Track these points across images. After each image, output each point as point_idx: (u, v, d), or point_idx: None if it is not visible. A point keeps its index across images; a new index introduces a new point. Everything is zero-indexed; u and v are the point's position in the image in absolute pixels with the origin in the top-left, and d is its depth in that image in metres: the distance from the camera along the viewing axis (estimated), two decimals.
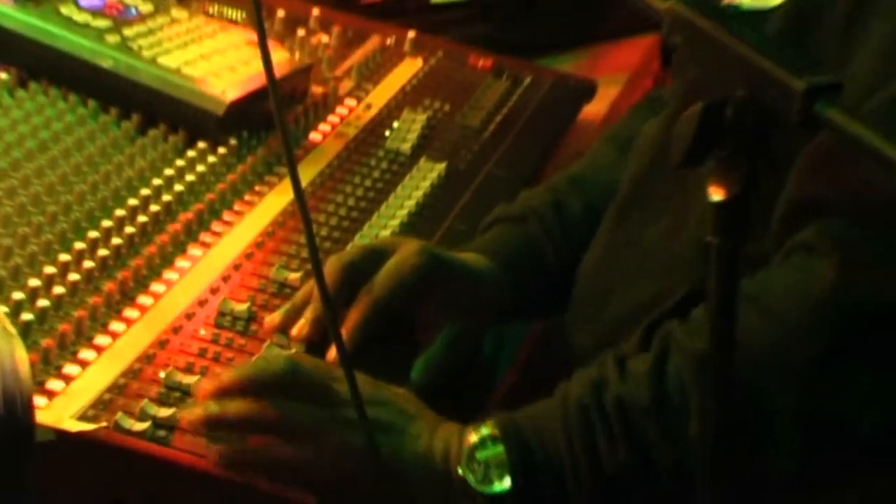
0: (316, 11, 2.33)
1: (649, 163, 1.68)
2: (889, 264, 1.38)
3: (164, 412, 1.40)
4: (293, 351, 1.55)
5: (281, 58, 2.06)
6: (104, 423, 1.38)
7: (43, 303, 1.50)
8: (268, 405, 1.41)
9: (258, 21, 1.40)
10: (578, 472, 1.40)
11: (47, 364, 1.43)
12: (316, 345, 1.56)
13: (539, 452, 1.41)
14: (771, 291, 1.42)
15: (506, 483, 1.40)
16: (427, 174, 1.97)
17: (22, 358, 1.16)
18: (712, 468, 1.20)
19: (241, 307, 1.59)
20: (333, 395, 1.42)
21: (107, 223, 1.65)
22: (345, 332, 1.55)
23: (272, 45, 2.07)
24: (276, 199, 1.80)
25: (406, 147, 2.04)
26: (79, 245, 1.60)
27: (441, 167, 2.00)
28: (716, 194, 1.09)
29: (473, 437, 1.42)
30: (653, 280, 1.59)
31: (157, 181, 1.76)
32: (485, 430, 1.42)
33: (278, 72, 1.96)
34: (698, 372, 1.33)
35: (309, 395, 1.43)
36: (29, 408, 1.15)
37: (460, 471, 1.42)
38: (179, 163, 1.82)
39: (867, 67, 1.42)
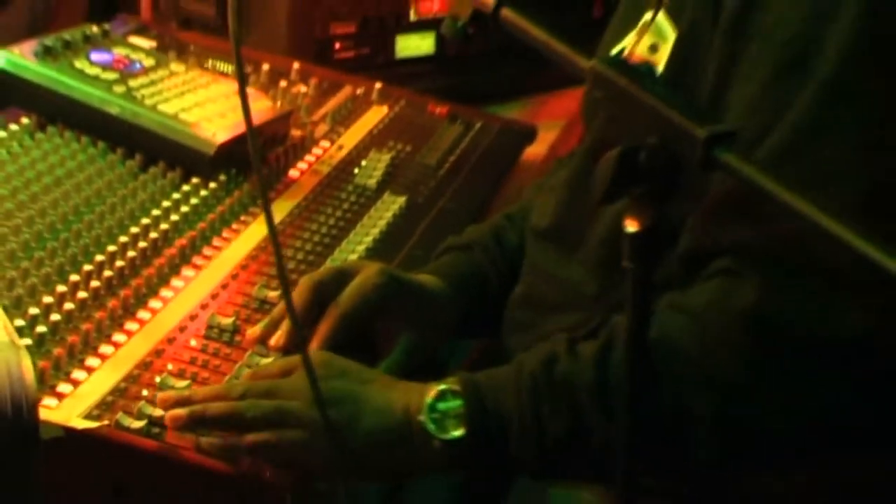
0: (296, 65, 2.34)
1: (562, 203, 1.67)
2: (802, 293, 1.36)
3: (159, 412, 1.41)
4: (271, 359, 1.55)
5: (264, 105, 2.06)
6: (106, 422, 1.38)
7: (55, 317, 1.50)
8: (241, 403, 1.42)
9: (239, 76, 1.44)
10: (524, 433, 1.41)
11: (58, 370, 1.43)
12: (290, 352, 1.55)
13: (492, 410, 1.42)
14: (696, 304, 1.41)
15: (460, 432, 1.41)
16: (390, 206, 1.98)
17: (28, 367, 1.16)
18: (629, 454, 1.21)
19: (227, 321, 1.59)
20: (284, 388, 1.45)
21: (112, 248, 1.66)
22: (315, 341, 1.57)
23: (258, 94, 2.12)
24: (259, 228, 1.80)
25: (372, 183, 2.04)
26: (87, 267, 1.60)
27: (402, 200, 2.00)
28: (631, 226, 1.10)
29: (436, 390, 1.43)
30: (571, 311, 1.58)
31: (155, 212, 1.77)
32: (448, 385, 1.43)
33: (262, 117, 2.00)
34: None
35: (268, 392, 1.44)
36: (34, 411, 1.15)
37: (421, 417, 1.42)
38: (175, 196, 1.82)
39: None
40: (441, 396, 1.42)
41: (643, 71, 1.22)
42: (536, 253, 1.71)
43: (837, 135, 1.37)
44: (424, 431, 1.42)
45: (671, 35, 1.54)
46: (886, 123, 1.38)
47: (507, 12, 1.34)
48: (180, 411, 1.40)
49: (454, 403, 1.42)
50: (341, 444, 1.40)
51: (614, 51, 1.66)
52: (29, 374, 1.17)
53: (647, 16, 1.60)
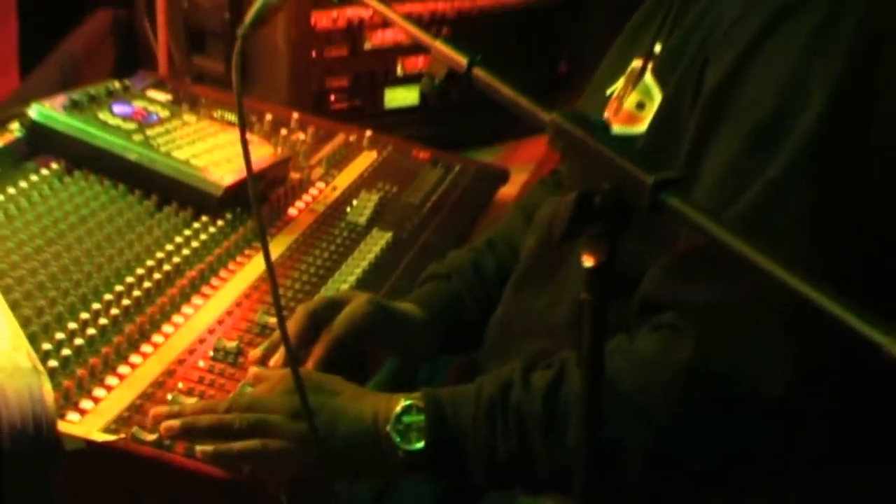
0: (295, 115, 2.35)
1: (540, 243, 1.67)
2: (733, 354, 1.36)
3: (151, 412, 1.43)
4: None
5: (267, 151, 2.07)
6: (123, 435, 1.39)
7: (78, 341, 1.52)
8: (228, 416, 1.42)
9: (241, 126, 1.46)
10: (477, 450, 1.42)
11: (80, 388, 1.44)
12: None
13: (451, 427, 1.42)
14: (641, 352, 1.41)
15: (421, 444, 1.41)
16: (378, 241, 1.98)
17: (48, 391, 1.16)
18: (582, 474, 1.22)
19: (232, 344, 1.60)
20: (266, 402, 1.45)
21: (130, 279, 1.67)
22: (310, 362, 1.58)
23: (260, 141, 2.12)
24: (261, 261, 1.79)
25: (362, 220, 2.04)
26: (107, 297, 1.62)
27: (389, 236, 2.00)
28: (588, 262, 1.11)
29: (402, 404, 1.43)
30: (541, 339, 1.57)
31: (169, 247, 1.78)
32: (412, 400, 1.43)
33: (264, 162, 2.02)
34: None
35: (251, 406, 1.45)
36: (52, 429, 1.15)
37: (388, 428, 1.42)
38: (187, 233, 1.83)
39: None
40: (406, 410, 1.43)
41: (598, 124, 1.20)
42: (516, 282, 1.71)
43: (788, 218, 1.36)
44: (390, 441, 1.42)
45: (657, 96, 1.53)
46: (834, 213, 1.37)
47: (478, 71, 1.36)
48: (173, 422, 1.40)
49: (417, 418, 1.42)
50: (320, 450, 1.41)
51: (607, 91, 1.66)
52: (49, 396, 1.17)
53: (636, 63, 1.60)
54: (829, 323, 0.97)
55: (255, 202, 1.58)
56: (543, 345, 1.55)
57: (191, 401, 1.48)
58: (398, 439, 1.42)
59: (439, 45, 1.41)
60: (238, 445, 1.41)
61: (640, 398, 1.38)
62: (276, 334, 1.60)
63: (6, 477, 1.11)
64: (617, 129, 1.55)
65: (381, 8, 1.48)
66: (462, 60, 1.37)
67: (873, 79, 1.39)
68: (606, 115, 1.62)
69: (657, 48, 1.58)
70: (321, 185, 2.14)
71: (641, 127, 1.53)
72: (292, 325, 1.58)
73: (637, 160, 1.11)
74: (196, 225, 1.86)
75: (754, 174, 1.38)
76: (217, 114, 2.25)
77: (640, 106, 1.55)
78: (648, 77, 1.56)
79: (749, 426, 1.37)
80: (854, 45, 1.38)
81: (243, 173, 1.88)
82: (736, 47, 1.42)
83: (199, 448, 1.40)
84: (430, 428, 1.42)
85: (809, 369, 1.33)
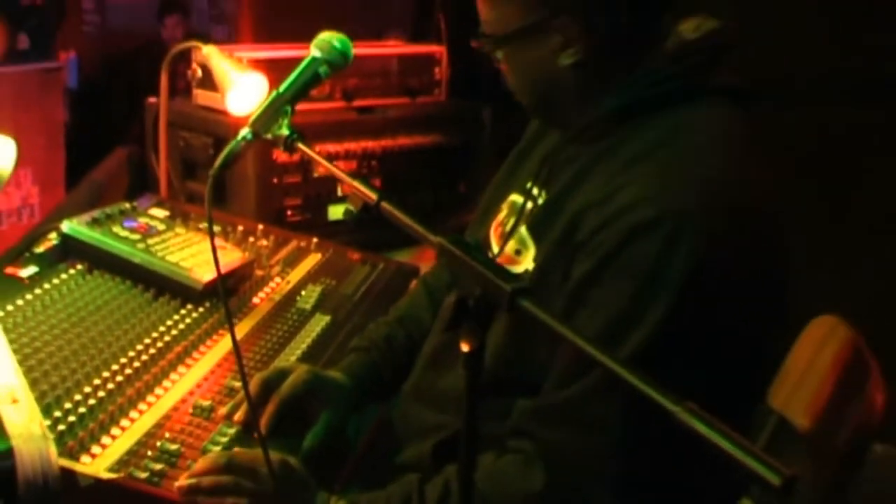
0: (260, 226, 2.34)
1: (444, 330, 1.64)
2: (583, 475, 1.33)
3: (158, 466, 1.42)
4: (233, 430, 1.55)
5: (237, 255, 2.07)
6: (123, 473, 1.39)
7: (91, 401, 1.52)
8: (223, 480, 1.41)
9: (210, 236, 1.46)
10: None
11: (92, 438, 1.44)
12: (249, 425, 1.55)
13: None
14: (505, 471, 1.38)
15: None
16: (320, 322, 1.98)
17: (53, 453, 1.15)
18: None
19: (206, 403, 1.60)
20: (258, 472, 1.43)
21: (131, 353, 1.67)
22: (264, 417, 1.57)
23: (232, 247, 2.12)
24: (230, 340, 1.77)
25: (308, 306, 2.04)
26: (114, 367, 1.62)
27: (328, 318, 2.00)
28: (465, 347, 1.11)
29: None
30: (442, 412, 1.56)
31: (161, 328, 1.78)
32: None
33: (235, 264, 2.02)
34: None
35: (245, 473, 1.42)
36: (56, 482, 1.13)
37: None
38: (175, 317, 1.83)
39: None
40: None
41: (472, 245, 1.19)
42: (426, 361, 1.69)
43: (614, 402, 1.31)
44: None
45: (532, 247, 1.50)
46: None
47: (384, 205, 1.35)
48: (182, 482, 1.39)
49: None
50: None
51: (492, 215, 1.63)
52: (54, 457, 1.16)
53: (515, 197, 1.57)
54: (638, 393, 0.99)
55: (223, 298, 1.59)
56: (441, 419, 1.55)
57: (175, 447, 1.47)
58: None
59: (357, 184, 1.40)
60: (230, 502, 1.41)
61: None
62: (240, 395, 1.60)
63: None
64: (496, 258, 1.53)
65: (315, 157, 1.49)
66: (373, 196, 1.37)
67: (704, 297, 1.31)
68: (491, 232, 1.61)
69: (530, 204, 1.52)
70: (278, 279, 2.13)
71: (519, 268, 1.50)
72: (251, 389, 1.58)
73: (500, 274, 1.12)
74: (183, 311, 1.85)
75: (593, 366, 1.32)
76: (202, 226, 2.25)
77: (518, 252, 1.53)
78: (523, 231, 1.52)
79: None
80: (688, 269, 1.30)
81: None
82: (597, 253, 1.35)
83: (176, 485, 1.39)
84: None
85: (630, 489, 1.31)
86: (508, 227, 1.55)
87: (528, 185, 1.54)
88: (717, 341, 1.33)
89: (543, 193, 1.51)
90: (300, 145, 1.48)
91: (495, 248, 1.55)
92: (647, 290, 1.30)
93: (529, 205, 1.53)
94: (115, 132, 4.36)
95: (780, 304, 1.45)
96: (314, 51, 1.56)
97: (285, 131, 1.49)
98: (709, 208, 1.32)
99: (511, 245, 1.54)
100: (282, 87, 1.53)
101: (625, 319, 1.31)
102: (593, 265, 1.35)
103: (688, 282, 1.29)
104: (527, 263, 1.50)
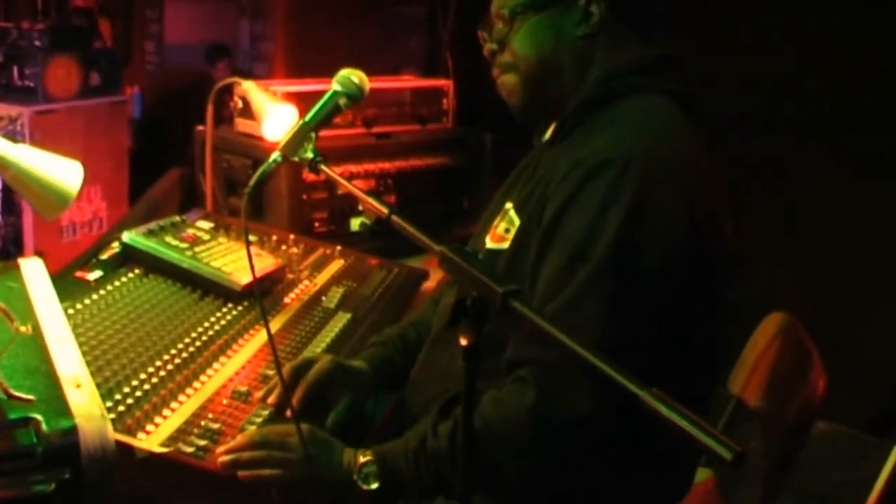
0: (292, 236, 2.33)
1: (444, 324, 1.65)
2: (562, 389, 1.34)
3: (202, 442, 1.42)
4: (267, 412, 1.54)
5: (270, 261, 2.05)
6: (172, 448, 1.38)
7: (147, 386, 1.52)
8: (257, 454, 1.40)
9: (247, 245, 1.47)
10: (411, 482, 1.41)
11: (147, 418, 1.44)
12: (281, 406, 1.54)
13: (392, 470, 1.41)
14: (503, 398, 1.39)
15: (376, 485, 1.40)
16: (342, 320, 1.96)
17: (110, 429, 1.15)
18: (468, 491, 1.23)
19: (244, 388, 1.59)
20: (286, 443, 1.42)
21: (180, 345, 1.66)
22: (294, 400, 1.55)
23: (266, 254, 2.11)
24: (265, 334, 1.71)
25: (332, 305, 2.02)
26: (165, 357, 1.61)
27: (349, 316, 1.98)
28: (463, 341, 1.12)
29: (361, 459, 1.42)
30: (441, 384, 1.56)
31: (206, 324, 1.77)
32: (367, 456, 1.42)
33: (269, 268, 2.01)
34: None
35: (275, 446, 1.42)
36: (112, 456, 1.13)
37: (354, 476, 1.41)
38: (218, 314, 1.82)
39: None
40: (364, 465, 1.41)
41: (470, 253, 1.20)
42: (428, 346, 1.69)
43: (588, 311, 1.35)
44: (357, 484, 1.41)
45: (517, 222, 1.52)
46: (629, 302, 1.35)
47: (395, 218, 1.35)
48: (225, 458, 1.39)
49: (372, 469, 1.41)
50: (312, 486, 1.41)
51: (491, 225, 1.62)
52: (110, 433, 1.15)
53: (509, 205, 1.59)
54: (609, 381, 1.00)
55: (259, 298, 1.57)
56: (444, 386, 1.54)
57: (216, 426, 1.46)
58: (362, 483, 1.41)
59: (371, 201, 1.40)
60: (267, 473, 1.40)
61: (503, 428, 1.37)
62: (274, 381, 1.59)
63: (86, 483, 1.10)
64: (490, 244, 1.55)
65: (334, 176, 1.48)
66: (385, 211, 1.36)
67: (646, 216, 1.37)
68: (488, 239, 1.59)
69: (519, 196, 1.57)
70: (306, 282, 2.12)
71: (506, 245, 1.52)
72: (283, 375, 1.57)
73: (494, 279, 1.13)
74: (224, 310, 1.85)
75: (568, 282, 1.37)
76: (242, 237, 2.25)
77: (507, 230, 1.54)
78: (512, 212, 1.55)
79: (573, 439, 1.36)
80: (634, 197, 1.36)
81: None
82: (561, 196, 1.41)
83: (219, 461, 1.38)
84: (379, 473, 1.41)
85: (605, 401, 1.32)
86: (501, 231, 1.55)
87: (519, 188, 1.57)
88: (658, 270, 1.37)
89: (528, 185, 1.55)
90: (322, 167, 1.48)
91: (490, 244, 1.55)
92: (601, 216, 1.36)
93: (520, 194, 1.56)
94: (171, 156, 4.36)
95: (720, 283, 1.47)
96: (335, 85, 1.56)
97: (310, 154, 1.48)
98: (649, 156, 1.39)
99: (502, 225, 1.55)
100: (307, 117, 1.53)
101: (584, 241, 1.36)
102: (557, 207, 1.41)
103: (633, 210, 1.35)
104: (512, 237, 1.52)
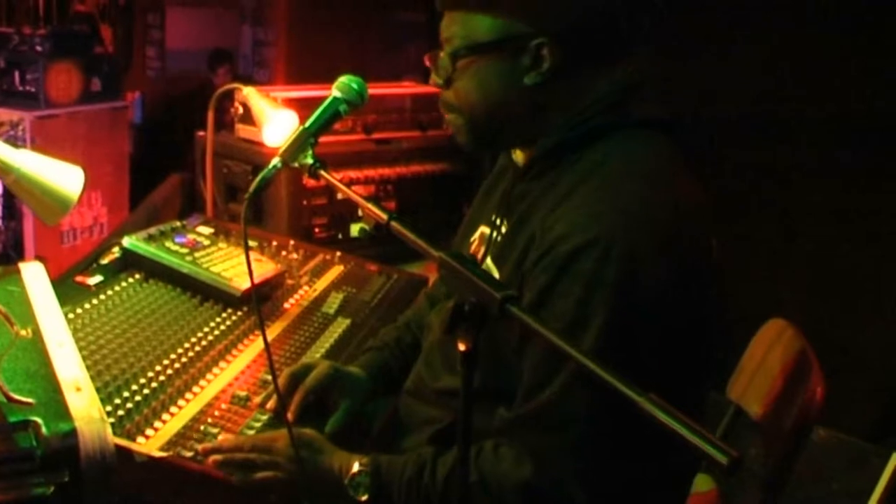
0: (292, 242, 2.32)
1: (443, 332, 1.55)
2: (562, 468, 1.29)
3: (201, 447, 1.41)
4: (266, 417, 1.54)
5: (270, 266, 2.05)
6: (172, 452, 1.39)
7: (146, 391, 1.51)
8: (237, 457, 1.40)
9: (246, 250, 1.45)
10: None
11: (146, 422, 1.44)
12: (278, 412, 1.54)
13: (384, 489, 1.40)
14: (500, 460, 1.35)
15: (365, 497, 1.39)
16: (341, 325, 1.96)
17: (109, 433, 1.15)
18: None
19: (243, 393, 1.59)
20: (272, 448, 1.42)
21: (180, 350, 1.66)
22: (293, 405, 1.55)
23: (266, 260, 2.10)
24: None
25: (331, 311, 2.02)
26: (165, 362, 1.61)
27: (348, 322, 1.97)
28: (461, 346, 1.10)
29: (356, 467, 1.40)
30: (433, 410, 1.53)
31: (206, 329, 1.76)
32: (361, 465, 1.40)
33: (268, 274, 1.99)
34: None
35: (260, 450, 1.42)
36: (111, 458, 1.13)
37: (346, 482, 1.40)
38: (218, 320, 1.82)
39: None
40: (357, 475, 1.40)
41: (468, 259, 1.17)
42: (424, 360, 1.66)
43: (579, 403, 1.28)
44: (348, 491, 1.40)
45: (496, 274, 1.42)
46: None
47: (394, 224, 1.33)
48: (217, 456, 1.39)
49: (364, 480, 1.40)
50: (304, 489, 1.41)
51: (469, 238, 1.60)
52: (109, 437, 1.16)
53: (484, 229, 1.53)
54: (604, 384, 0.98)
55: (256, 304, 1.55)
56: (436, 413, 1.52)
57: (216, 430, 1.46)
58: (352, 492, 1.40)
59: (370, 206, 1.37)
60: (259, 476, 1.40)
61: (497, 492, 1.34)
62: (271, 388, 1.59)
63: (85, 487, 1.10)
64: None
65: (334, 182, 1.47)
66: (384, 216, 1.34)
67: (636, 305, 1.27)
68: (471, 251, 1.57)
69: (495, 234, 1.47)
70: (306, 288, 2.12)
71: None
72: (281, 381, 1.57)
73: (492, 284, 1.11)
74: (224, 315, 1.84)
75: (557, 374, 1.29)
76: (241, 241, 2.24)
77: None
78: (489, 261, 1.47)
79: None
80: (618, 277, 1.26)
81: (255, 281, 1.90)
82: (543, 278, 1.31)
83: (234, 477, 1.38)
84: (371, 486, 1.40)
85: (599, 492, 1.29)
86: (479, 257, 1.51)
87: (493, 217, 1.49)
88: (655, 341, 1.29)
89: (505, 224, 1.47)
90: (322, 172, 1.47)
91: None
92: (587, 303, 1.27)
93: (494, 235, 1.48)
94: (172, 161, 4.37)
95: (709, 307, 1.40)
96: (335, 91, 1.54)
97: (310, 160, 1.47)
98: (630, 231, 1.28)
99: (476, 248, 1.53)
100: (307, 123, 1.52)
101: (570, 329, 1.26)
102: (535, 294, 1.31)
103: (620, 293, 1.26)
104: None
